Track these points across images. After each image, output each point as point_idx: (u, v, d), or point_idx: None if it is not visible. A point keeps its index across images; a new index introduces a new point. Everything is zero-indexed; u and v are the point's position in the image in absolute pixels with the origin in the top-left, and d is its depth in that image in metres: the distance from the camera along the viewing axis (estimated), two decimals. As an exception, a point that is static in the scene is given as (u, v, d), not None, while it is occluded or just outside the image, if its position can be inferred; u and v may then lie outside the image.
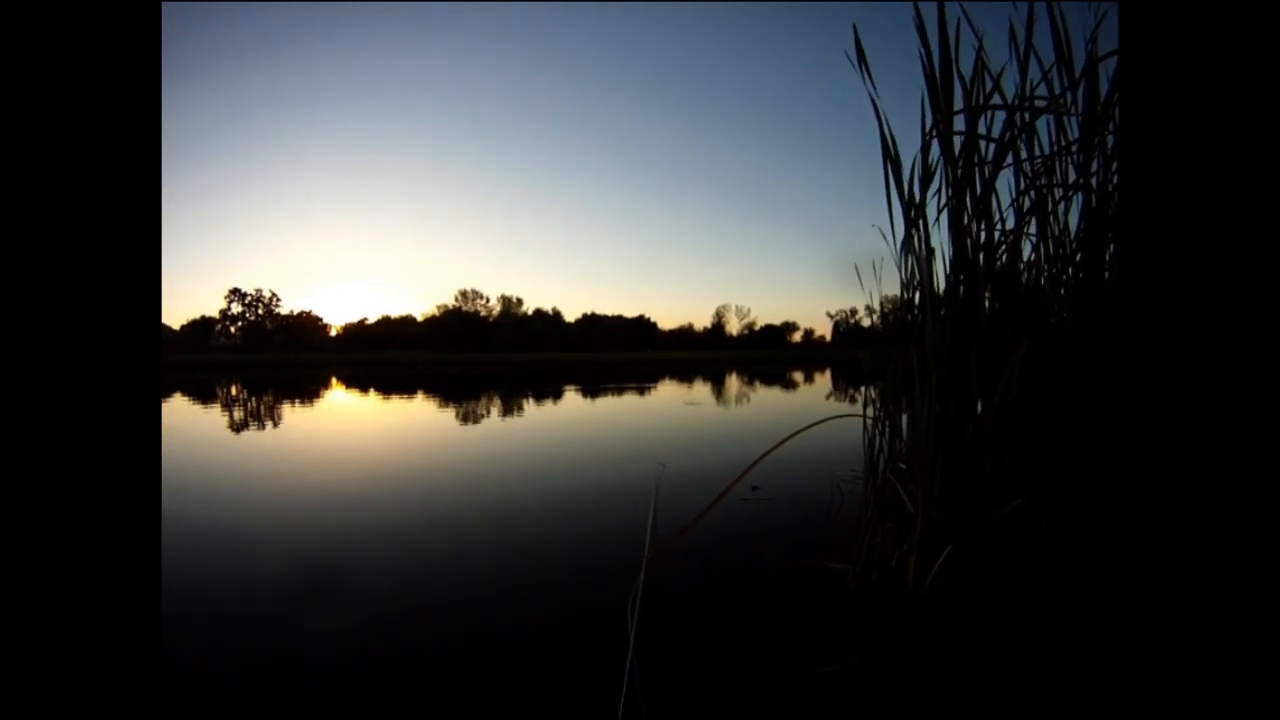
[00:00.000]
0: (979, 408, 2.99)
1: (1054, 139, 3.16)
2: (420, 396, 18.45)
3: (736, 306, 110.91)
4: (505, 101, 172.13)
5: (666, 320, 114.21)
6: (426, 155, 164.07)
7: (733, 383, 22.93)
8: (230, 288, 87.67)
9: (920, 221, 3.33)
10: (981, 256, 3.11)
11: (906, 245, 3.40)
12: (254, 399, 18.72)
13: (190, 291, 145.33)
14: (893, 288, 4.54)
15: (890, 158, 3.37)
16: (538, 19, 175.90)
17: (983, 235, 3.11)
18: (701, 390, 18.86)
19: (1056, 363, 2.79)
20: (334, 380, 29.13)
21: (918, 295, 3.32)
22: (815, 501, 4.58)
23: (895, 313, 4.06)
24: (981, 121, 3.15)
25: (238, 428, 10.87)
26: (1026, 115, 3.13)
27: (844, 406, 13.73)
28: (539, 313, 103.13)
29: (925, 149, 3.27)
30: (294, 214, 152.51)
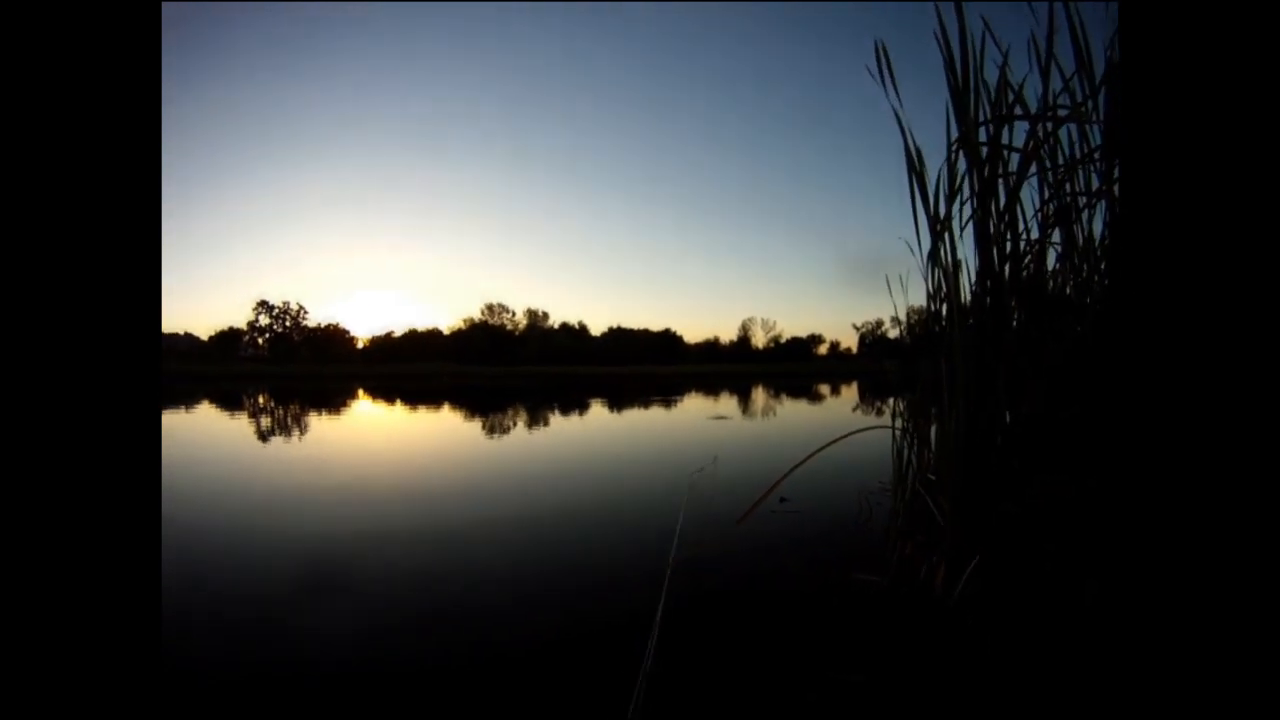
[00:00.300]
0: (1007, 418, 2.99)
1: (1077, 147, 3.17)
2: (447, 408, 18.56)
3: (762, 319, 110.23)
4: (533, 117, 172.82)
5: (692, 334, 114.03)
6: (455, 169, 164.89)
7: (759, 396, 22.88)
8: (258, 299, 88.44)
9: (946, 233, 3.32)
10: (1007, 267, 3.11)
11: (933, 257, 3.40)
12: (281, 409, 18.87)
13: (219, 303, 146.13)
14: (919, 299, 4.55)
15: (915, 170, 3.38)
16: (566, 34, 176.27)
17: (1008, 245, 3.10)
18: (728, 403, 18.84)
19: (1080, 372, 2.76)
20: (360, 392, 29.29)
21: (944, 307, 3.32)
22: (844, 514, 4.57)
23: (922, 325, 4.06)
24: (1006, 132, 3.16)
25: (265, 435, 10.99)
26: (1049, 125, 3.14)
27: (871, 419, 13.67)
28: (565, 326, 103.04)
29: (951, 161, 3.27)
30: (321, 225, 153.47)
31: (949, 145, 3.25)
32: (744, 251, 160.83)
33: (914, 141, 3.36)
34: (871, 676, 2.25)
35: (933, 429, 3.58)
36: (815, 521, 4.45)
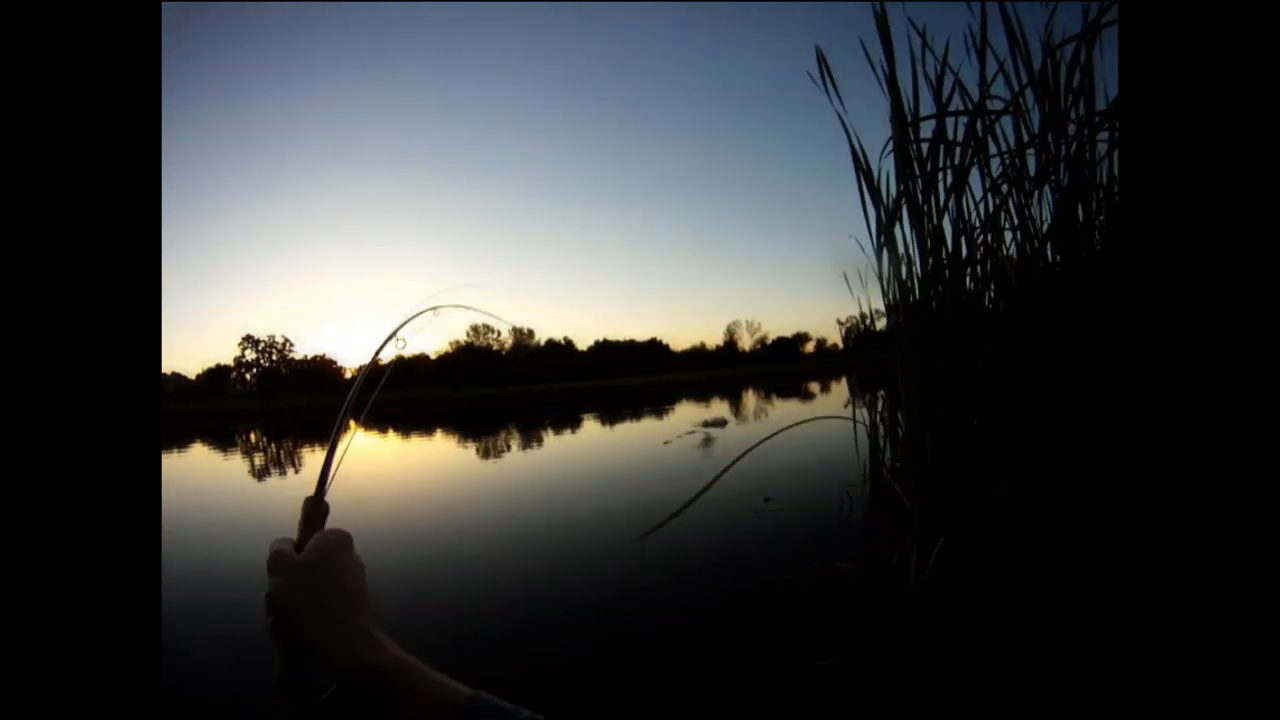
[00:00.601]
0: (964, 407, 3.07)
1: (1016, 135, 3.22)
2: (440, 434, 18.56)
3: (747, 322, 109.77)
4: (502, 128, 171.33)
5: (679, 341, 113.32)
6: (430, 187, 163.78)
7: (749, 399, 22.90)
8: (244, 334, 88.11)
9: (893, 229, 3.41)
10: (946, 256, 3.19)
11: (879, 253, 3.48)
12: (275, 446, 18.88)
13: (204, 340, 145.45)
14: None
15: (862, 169, 3.46)
16: (541, 46, 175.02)
17: (949, 238, 3.19)
18: (719, 408, 18.89)
19: (1028, 353, 2.85)
20: (351, 423, 29.12)
21: (895, 301, 3.41)
22: (825, 508, 4.63)
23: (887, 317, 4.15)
24: (951, 125, 3.24)
25: (261, 474, 11.06)
26: (988, 119, 3.23)
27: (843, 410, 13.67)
28: (551, 343, 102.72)
29: (901, 156, 3.33)
30: (304, 257, 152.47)
31: (894, 137, 3.33)
32: (728, 255, 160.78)
33: (859, 141, 3.46)
34: (842, 660, 2.34)
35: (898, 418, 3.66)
36: (799, 517, 4.55)
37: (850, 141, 3.45)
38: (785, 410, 16.54)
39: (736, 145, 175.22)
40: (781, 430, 4.00)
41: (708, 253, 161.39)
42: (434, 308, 1.91)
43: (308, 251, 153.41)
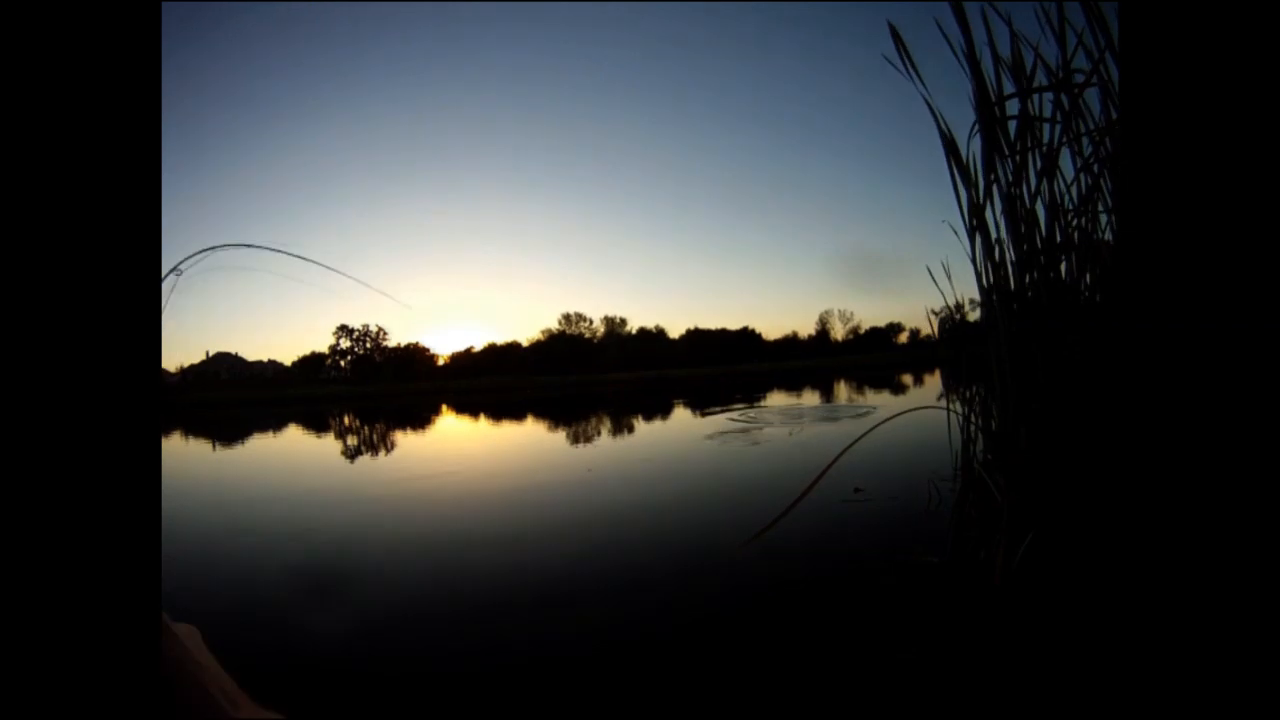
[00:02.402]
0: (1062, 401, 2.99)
1: (1104, 112, 3.08)
2: (530, 419, 18.78)
3: (840, 311, 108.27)
4: (601, 131, 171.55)
5: (771, 330, 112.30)
6: (525, 187, 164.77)
7: (841, 390, 22.69)
8: (339, 324, 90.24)
9: (984, 213, 3.34)
10: (1040, 241, 3.09)
11: (971, 238, 3.40)
12: (366, 427, 19.30)
13: (302, 331, 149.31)
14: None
15: (951, 152, 3.37)
16: (618, 48, 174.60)
17: (1042, 222, 3.09)
18: (809, 399, 18.77)
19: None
20: (443, 407, 29.68)
21: (989, 289, 3.33)
22: (915, 500, 4.57)
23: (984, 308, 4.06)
24: (1034, 102, 3.13)
25: (352, 454, 11.32)
26: (1075, 91, 3.10)
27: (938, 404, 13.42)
28: (643, 331, 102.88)
29: (988, 137, 3.25)
30: (400, 256, 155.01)
31: (978, 113, 3.23)
32: (819, 244, 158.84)
33: (946, 125, 3.38)
34: (921, 653, 2.31)
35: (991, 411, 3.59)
36: (889, 508, 4.48)
37: (938, 124, 3.38)
38: (877, 402, 16.31)
39: (828, 134, 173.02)
40: (878, 424, 3.95)
41: (800, 241, 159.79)
42: (213, 247, 1.96)
43: (412, 252, 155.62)
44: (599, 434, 13.14)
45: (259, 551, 4.68)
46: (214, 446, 15.43)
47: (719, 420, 13.06)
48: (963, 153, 3.38)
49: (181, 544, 4.78)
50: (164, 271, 1.48)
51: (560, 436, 13.23)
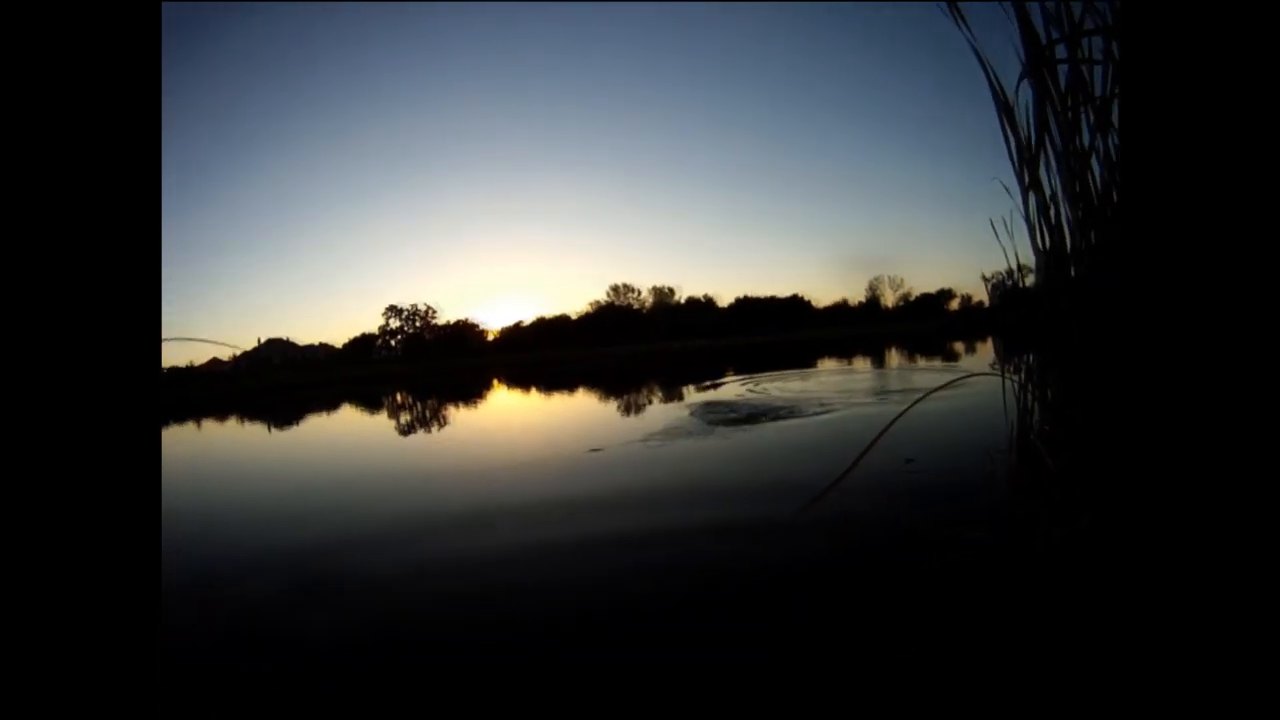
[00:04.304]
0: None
1: None
2: (581, 391, 18.83)
3: (890, 278, 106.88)
4: (646, 96, 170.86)
5: (821, 297, 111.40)
6: (570, 159, 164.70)
7: (892, 358, 22.49)
8: (388, 305, 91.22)
9: (1037, 170, 3.16)
10: (1096, 198, 2.94)
11: (1025, 197, 3.26)
12: (420, 404, 19.47)
13: (350, 313, 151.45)
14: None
15: (1000, 103, 3.23)
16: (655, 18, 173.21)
17: (1098, 178, 2.94)
18: (861, 366, 18.64)
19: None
20: (495, 381, 29.89)
21: (1045, 249, 3.20)
22: (969, 472, 4.46)
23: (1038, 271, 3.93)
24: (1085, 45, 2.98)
25: (406, 430, 11.42)
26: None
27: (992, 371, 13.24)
28: (692, 300, 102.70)
29: (1038, 85, 3.05)
30: (446, 237, 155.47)
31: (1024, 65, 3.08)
32: (869, 208, 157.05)
33: (995, 75, 3.24)
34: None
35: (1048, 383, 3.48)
36: (941, 480, 4.38)
37: (985, 72, 3.24)
38: (927, 368, 16.13)
39: (876, 91, 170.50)
40: (930, 393, 3.86)
41: (849, 206, 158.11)
42: None
43: (456, 232, 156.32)
44: (675, 399, 13.33)
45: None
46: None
47: (769, 387, 13.06)
48: (1011, 103, 3.24)
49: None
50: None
51: (637, 406, 13.28)
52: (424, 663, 2.53)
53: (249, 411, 23.49)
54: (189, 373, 75.65)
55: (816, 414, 8.33)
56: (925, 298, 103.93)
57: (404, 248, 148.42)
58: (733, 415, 8.98)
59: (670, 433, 7.74)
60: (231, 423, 19.12)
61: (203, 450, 13.15)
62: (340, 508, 5.56)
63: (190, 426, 19.35)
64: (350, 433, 13.97)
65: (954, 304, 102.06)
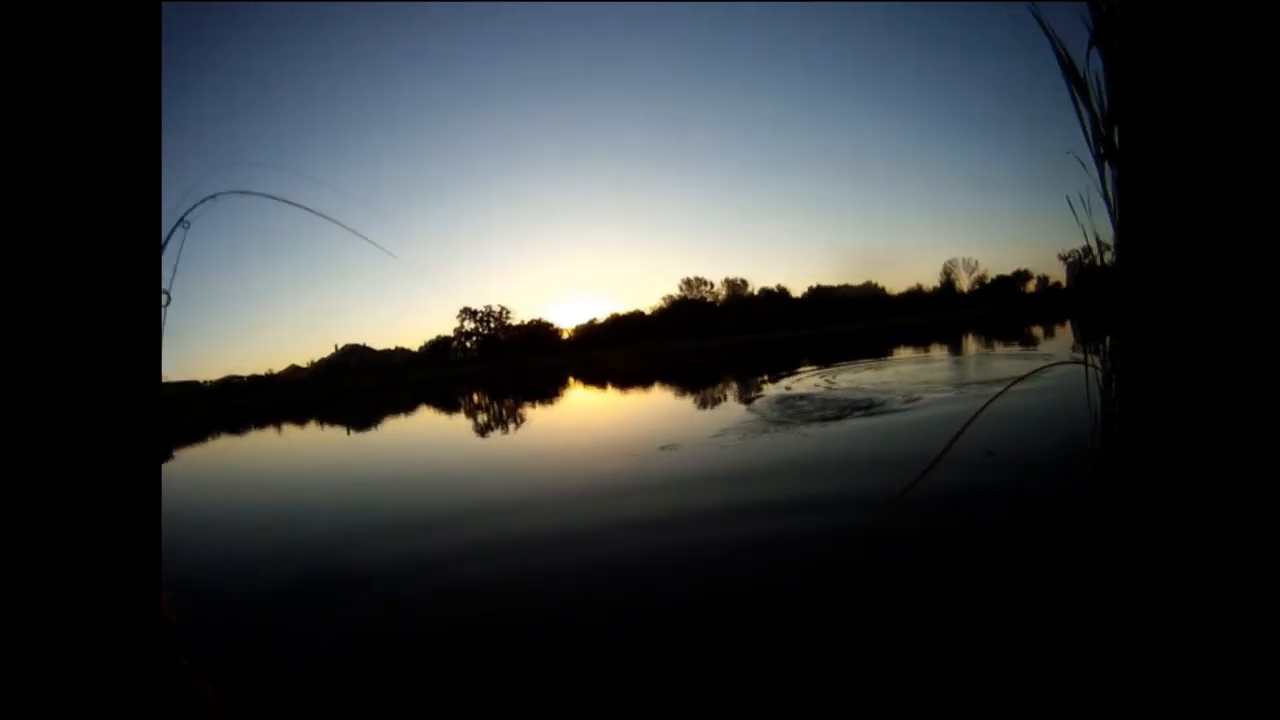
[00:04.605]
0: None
1: None
2: (657, 387, 18.91)
3: (964, 260, 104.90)
4: (715, 92, 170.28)
5: (894, 284, 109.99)
6: (640, 155, 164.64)
7: (969, 344, 22.16)
8: (462, 307, 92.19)
9: (1112, 138, 3.08)
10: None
11: (1100, 170, 3.19)
12: (498, 404, 19.74)
13: (427, 318, 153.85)
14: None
15: (1069, 72, 3.15)
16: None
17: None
18: (939, 357, 18.43)
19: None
20: (571, 380, 30.12)
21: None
22: (1049, 466, 4.41)
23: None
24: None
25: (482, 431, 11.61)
26: None
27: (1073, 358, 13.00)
28: (765, 292, 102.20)
29: (1107, 52, 2.98)
30: (518, 240, 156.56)
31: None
32: (939, 189, 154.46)
33: (1062, 44, 3.18)
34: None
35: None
36: (1019, 472, 4.38)
37: (1053, 43, 3.18)
38: (1008, 355, 15.89)
39: (942, 74, 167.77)
40: (1013, 383, 3.83)
41: (921, 188, 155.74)
42: (213, 195, 1.98)
43: (528, 234, 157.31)
44: (751, 393, 13.30)
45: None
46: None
47: (844, 379, 12.99)
48: (1081, 73, 3.18)
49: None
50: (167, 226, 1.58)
51: (713, 400, 13.49)
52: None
53: (327, 415, 24.04)
54: (269, 380, 77.65)
55: (892, 407, 8.30)
56: (1001, 280, 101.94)
57: (477, 250, 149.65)
58: (807, 409, 8.97)
59: (744, 430, 7.75)
60: (314, 426, 19.60)
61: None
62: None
63: (270, 431, 19.94)
64: (437, 433, 14.30)
65: (1031, 285, 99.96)
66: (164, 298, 1.79)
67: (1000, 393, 3.56)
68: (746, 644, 2.63)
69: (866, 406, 8.48)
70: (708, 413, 10.58)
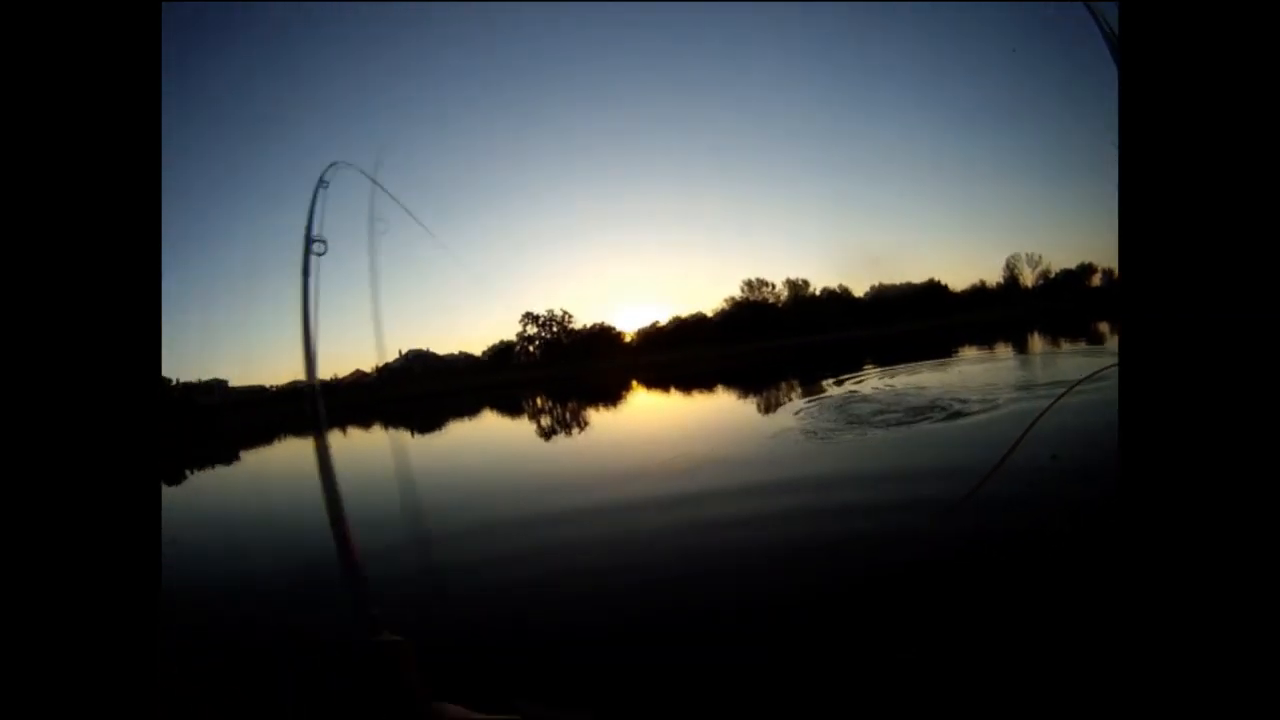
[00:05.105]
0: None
1: None
2: (719, 390, 18.93)
3: (1027, 255, 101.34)
4: (771, 92, 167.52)
5: (957, 280, 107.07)
6: (702, 158, 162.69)
7: (1034, 342, 21.73)
8: (524, 312, 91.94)
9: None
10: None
11: None
12: (560, 408, 19.89)
13: (489, 323, 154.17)
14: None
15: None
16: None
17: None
18: (1003, 356, 18.17)
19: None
20: (634, 383, 30.12)
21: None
22: (1113, 470, 4.40)
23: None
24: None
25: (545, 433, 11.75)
26: None
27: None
28: (827, 292, 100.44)
29: None
30: (579, 245, 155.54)
31: None
32: (1001, 180, 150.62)
33: (1108, 23, 3.23)
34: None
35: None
36: (1083, 478, 4.42)
37: (1100, 26, 3.24)
38: (1074, 353, 15.67)
39: (997, 65, 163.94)
40: (1075, 385, 3.86)
41: (983, 178, 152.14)
42: (334, 163, 2.04)
43: (589, 240, 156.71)
44: (813, 394, 13.25)
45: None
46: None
47: (906, 381, 13.03)
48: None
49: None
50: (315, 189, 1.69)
51: (775, 402, 13.63)
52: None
53: (390, 419, 24.36)
54: (334, 385, 78.11)
55: (954, 408, 8.33)
56: (1066, 274, 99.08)
57: (539, 256, 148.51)
58: (870, 409, 9.04)
59: (809, 433, 7.82)
60: (380, 429, 19.88)
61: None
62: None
63: (337, 433, 20.28)
64: (504, 437, 14.50)
65: (1095, 279, 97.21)
66: (318, 246, 1.90)
67: (1062, 395, 3.61)
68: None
69: (927, 409, 8.50)
70: (766, 418, 10.59)
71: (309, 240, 1.87)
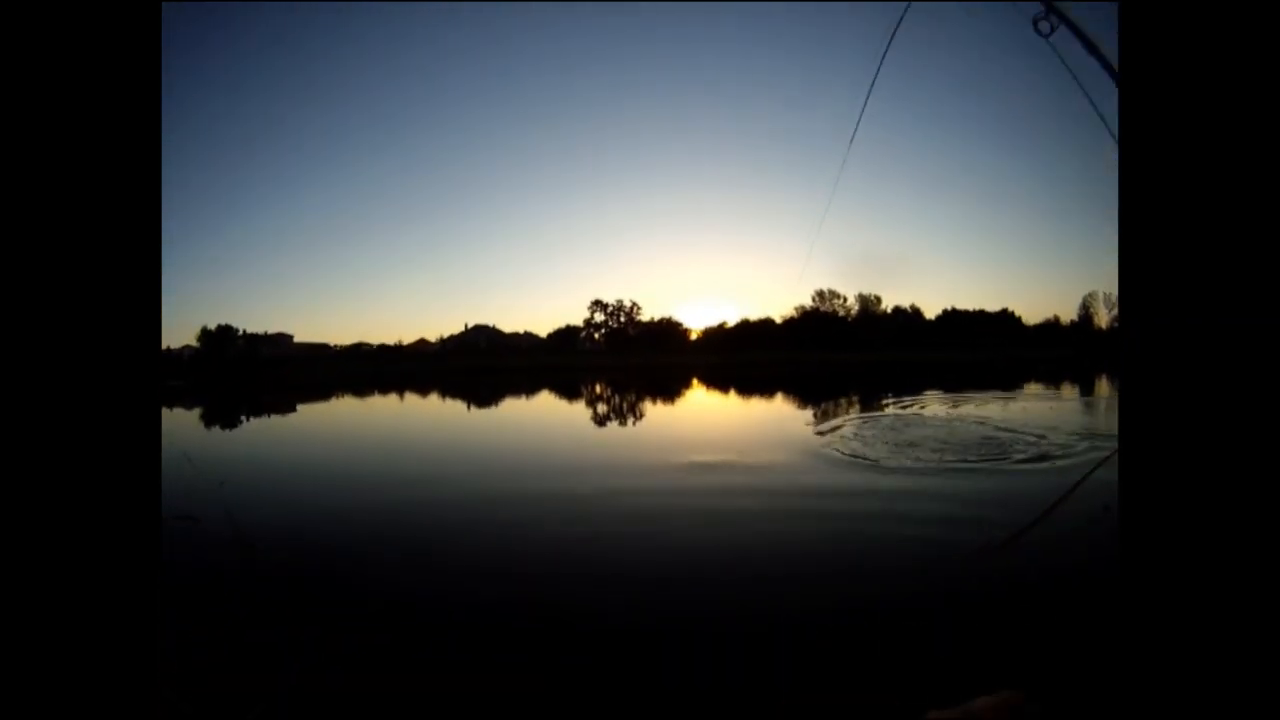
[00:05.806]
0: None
1: None
2: (780, 397, 18.84)
3: (1105, 294, 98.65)
4: (848, 106, 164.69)
5: (1031, 313, 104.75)
6: (777, 161, 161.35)
7: (1101, 386, 21.18)
8: (593, 299, 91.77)
9: None
10: None
11: None
12: (620, 397, 19.95)
13: (557, 306, 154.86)
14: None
15: None
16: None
17: None
18: (1069, 397, 17.84)
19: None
20: (695, 381, 30.08)
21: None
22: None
23: None
24: None
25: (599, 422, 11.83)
26: None
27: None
28: (898, 310, 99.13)
29: None
30: (652, 239, 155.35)
31: None
32: (1087, 215, 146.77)
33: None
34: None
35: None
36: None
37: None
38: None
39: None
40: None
41: (1066, 213, 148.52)
42: None
43: (662, 234, 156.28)
44: (872, 410, 13.33)
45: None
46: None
47: (969, 411, 12.91)
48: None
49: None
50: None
51: (831, 412, 13.70)
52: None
53: (450, 389, 24.57)
54: (398, 350, 79.10)
55: (1015, 442, 8.30)
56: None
57: (612, 244, 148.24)
58: (927, 434, 9.00)
59: (859, 458, 7.81)
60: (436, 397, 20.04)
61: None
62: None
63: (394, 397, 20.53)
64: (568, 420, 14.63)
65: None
66: None
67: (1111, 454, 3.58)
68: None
69: (982, 449, 8.32)
70: (817, 439, 10.52)
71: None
